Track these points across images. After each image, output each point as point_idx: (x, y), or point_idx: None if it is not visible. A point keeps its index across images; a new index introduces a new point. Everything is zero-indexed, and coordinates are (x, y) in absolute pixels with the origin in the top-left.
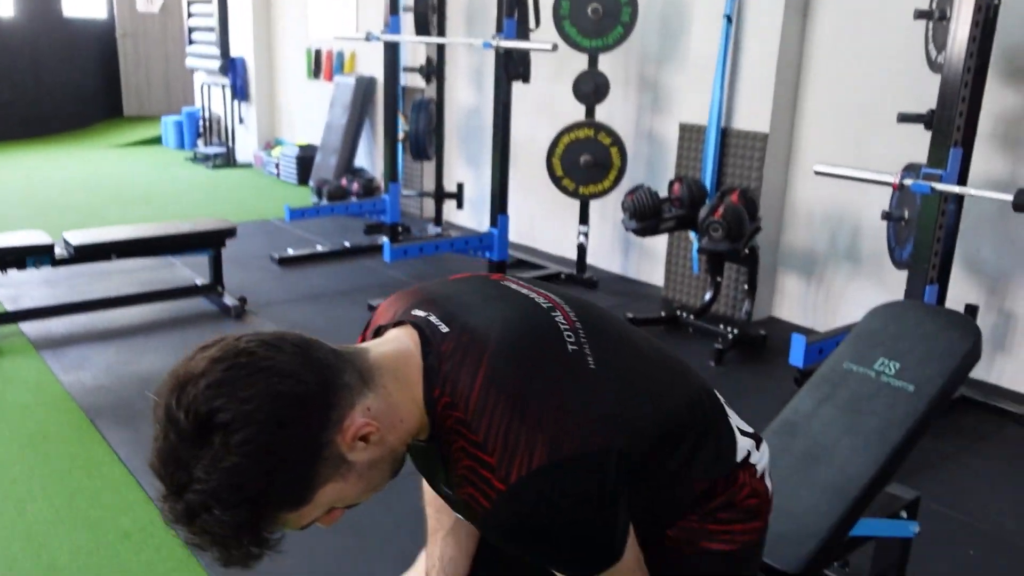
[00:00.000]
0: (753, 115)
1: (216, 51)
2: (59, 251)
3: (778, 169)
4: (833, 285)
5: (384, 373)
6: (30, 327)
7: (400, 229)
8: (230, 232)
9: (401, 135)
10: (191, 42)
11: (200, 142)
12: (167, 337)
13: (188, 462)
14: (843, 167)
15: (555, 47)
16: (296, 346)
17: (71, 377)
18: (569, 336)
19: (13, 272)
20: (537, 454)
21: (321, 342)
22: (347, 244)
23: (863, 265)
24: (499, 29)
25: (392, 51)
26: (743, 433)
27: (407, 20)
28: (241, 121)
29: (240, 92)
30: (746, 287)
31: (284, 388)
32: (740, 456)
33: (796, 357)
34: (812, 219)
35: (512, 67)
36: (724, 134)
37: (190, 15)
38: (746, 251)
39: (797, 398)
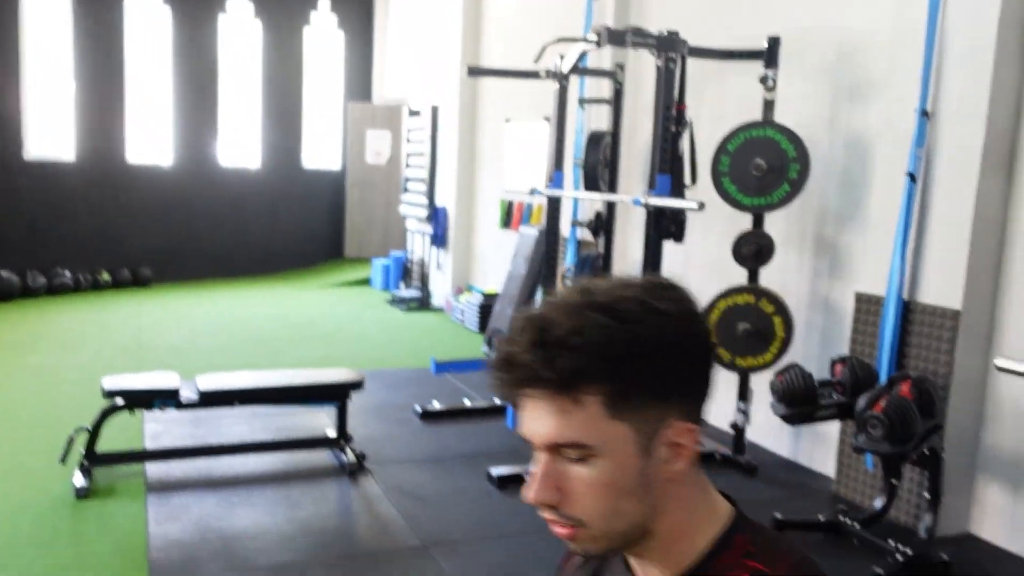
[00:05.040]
0: (942, 288)
1: (424, 200)
2: (186, 395)
3: (974, 354)
4: None
5: (703, 477)
6: (153, 467)
7: None
8: (356, 385)
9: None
10: (406, 190)
11: (402, 285)
12: (270, 491)
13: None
14: None
15: (702, 206)
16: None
17: (160, 528)
18: None
19: (172, 410)
20: None
21: None
22: (497, 401)
23: None
24: (651, 186)
25: (554, 205)
26: None
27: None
28: (439, 267)
29: (439, 239)
30: (928, 497)
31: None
32: None
33: None
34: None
35: (663, 225)
36: (907, 309)
37: (407, 166)
38: (923, 453)
39: None
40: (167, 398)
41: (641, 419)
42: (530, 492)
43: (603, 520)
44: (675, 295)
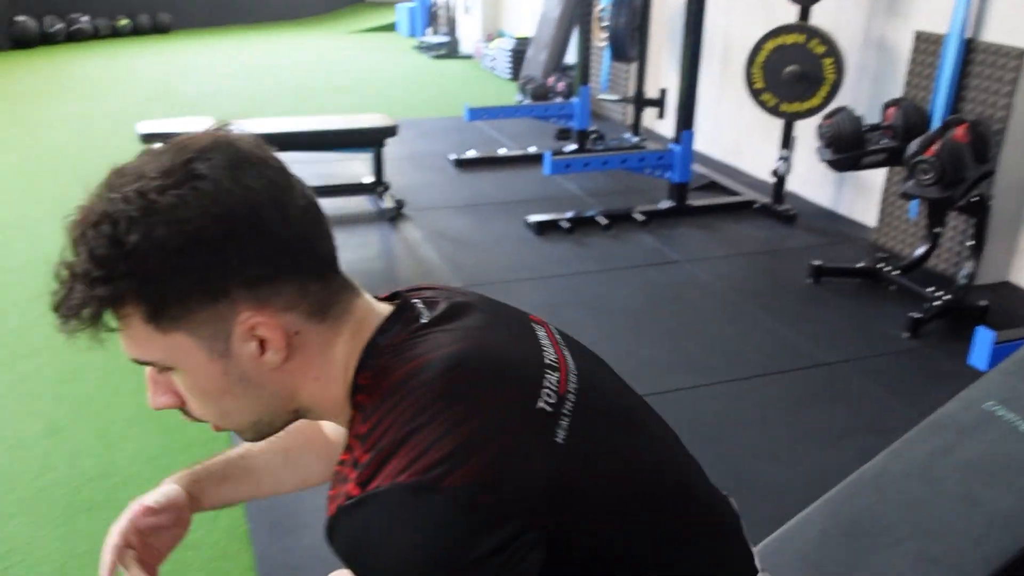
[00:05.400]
0: (1010, 25)
1: None
2: None
3: None
4: None
5: (346, 319)
6: None
7: (595, 136)
8: (390, 131)
9: (601, 33)
10: None
11: (429, 31)
12: None
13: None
14: None
15: None
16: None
17: None
18: (548, 397)
19: None
20: (417, 467)
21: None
22: (532, 149)
23: None
24: None
25: None
26: None
27: None
28: (467, 10)
29: None
30: (971, 244)
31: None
32: None
33: (979, 357)
34: None
35: None
36: (968, 48)
37: None
38: (972, 200)
39: (901, 444)
40: None
41: (195, 324)
42: (149, 399)
43: (221, 420)
44: (201, 169)
